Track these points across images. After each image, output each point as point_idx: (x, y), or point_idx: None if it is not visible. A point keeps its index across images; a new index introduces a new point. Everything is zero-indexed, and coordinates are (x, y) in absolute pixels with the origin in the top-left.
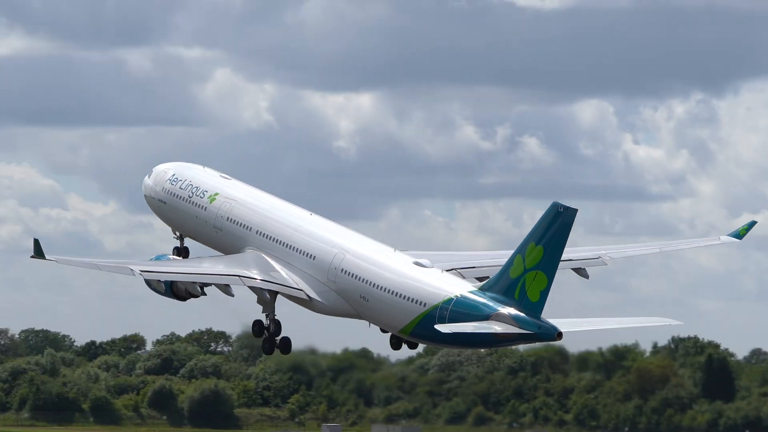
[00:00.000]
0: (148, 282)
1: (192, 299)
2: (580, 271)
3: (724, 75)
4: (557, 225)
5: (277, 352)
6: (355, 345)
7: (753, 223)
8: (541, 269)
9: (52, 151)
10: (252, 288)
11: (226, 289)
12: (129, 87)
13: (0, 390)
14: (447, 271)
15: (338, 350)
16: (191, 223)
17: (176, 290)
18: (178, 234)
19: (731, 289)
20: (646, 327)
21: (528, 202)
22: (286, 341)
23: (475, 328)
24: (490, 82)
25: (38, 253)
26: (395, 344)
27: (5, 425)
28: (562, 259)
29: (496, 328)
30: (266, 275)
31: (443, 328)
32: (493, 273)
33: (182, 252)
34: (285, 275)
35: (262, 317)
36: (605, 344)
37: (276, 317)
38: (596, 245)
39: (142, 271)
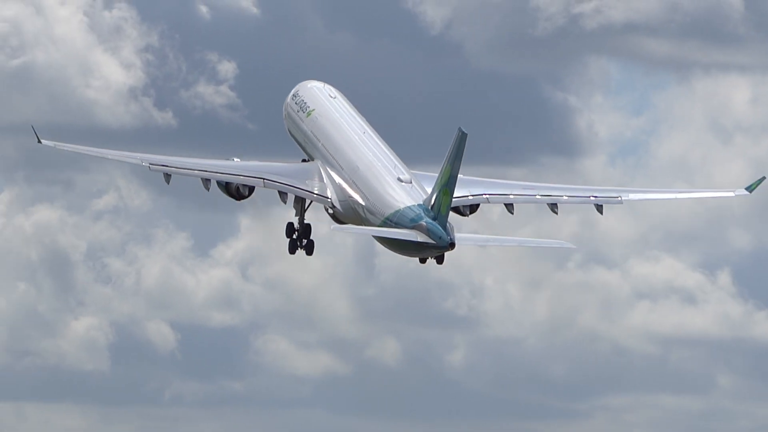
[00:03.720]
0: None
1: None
2: (598, 208)
3: None
4: (457, 147)
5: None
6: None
7: (763, 179)
8: (447, 186)
9: None
10: (280, 192)
11: (245, 189)
12: None
13: None
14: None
15: None
16: (298, 137)
17: (231, 190)
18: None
19: None
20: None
21: None
22: (311, 244)
23: (365, 231)
24: None
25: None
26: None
27: None
28: (583, 195)
29: (381, 231)
30: (299, 182)
31: (335, 228)
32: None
33: None
34: (324, 185)
35: (294, 220)
36: None
37: (306, 221)
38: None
39: (151, 164)
